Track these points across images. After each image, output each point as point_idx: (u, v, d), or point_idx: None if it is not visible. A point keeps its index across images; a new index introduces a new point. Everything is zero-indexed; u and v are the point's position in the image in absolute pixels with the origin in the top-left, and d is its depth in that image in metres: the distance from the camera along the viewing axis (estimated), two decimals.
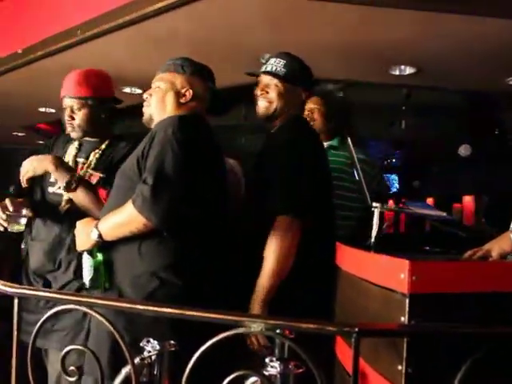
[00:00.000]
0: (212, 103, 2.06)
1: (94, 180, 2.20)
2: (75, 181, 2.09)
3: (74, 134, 2.28)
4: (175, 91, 1.97)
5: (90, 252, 1.85)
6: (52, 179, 2.24)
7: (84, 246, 1.87)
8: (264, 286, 1.89)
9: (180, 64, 2.00)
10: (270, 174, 1.99)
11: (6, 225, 2.12)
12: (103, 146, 2.28)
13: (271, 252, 1.89)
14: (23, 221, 2.13)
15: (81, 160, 2.27)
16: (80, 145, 2.32)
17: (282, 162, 1.98)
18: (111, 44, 3.28)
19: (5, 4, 3.85)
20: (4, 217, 2.10)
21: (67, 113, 2.25)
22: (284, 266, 1.89)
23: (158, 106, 1.97)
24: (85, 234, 1.86)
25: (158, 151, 1.76)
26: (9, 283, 1.57)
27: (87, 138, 2.31)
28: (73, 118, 2.24)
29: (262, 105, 2.14)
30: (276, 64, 2.14)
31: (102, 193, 2.10)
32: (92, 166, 2.24)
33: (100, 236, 1.81)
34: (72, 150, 2.31)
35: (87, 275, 1.84)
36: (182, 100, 1.96)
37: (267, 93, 2.13)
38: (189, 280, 1.79)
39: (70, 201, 2.19)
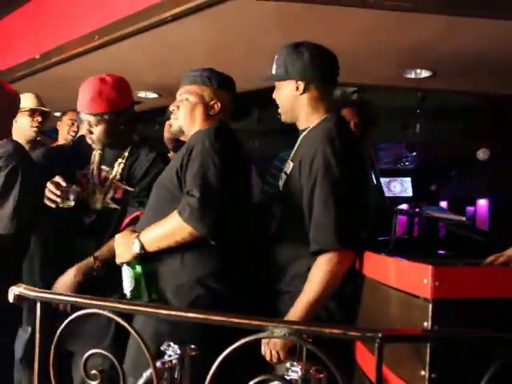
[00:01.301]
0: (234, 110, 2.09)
1: (119, 192, 2.20)
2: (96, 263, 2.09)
3: (94, 146, 2.25)
4: (204, 104, 1.99)
5: (129, 264, 1.87)
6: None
7: (124, 258, 1.89)
8: (300, 315, 1.74)
9: (207, 76, 2.01)
10: (318, 196, 1.78)
11: (58, 200, 2.08)
12: (126, 154, 2.25)
13: (317, 284, 1.75)
14: (73, 197, 2.11)
15: (105, 168, 2.25)
16: (103, 151, 2.29)
17: (333, 183, 1.76)
18: (128, 49, 3.31)
19: (23, 10, 3.90)
20: (58, 193, 2.07)
21: (85, 127, 2.21)
22: (327, 295, 1.76)
23: (187, 118, 2.00)
24: (125, 246, 1.89)
25: (199, 163, 1.80)
26: (30, 287, 1.58)
27: (109, 147, 2.28)
28: (91, 133, 2.20)
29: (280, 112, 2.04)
30: (273, 63, 2.00)
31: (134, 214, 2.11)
32: (117, 177, 2.22)
33: (142, 247, 1.85)
34: (96, 157, 2.28)
35: (128, 286, 1.87)
36: (211, 112, 1.99)
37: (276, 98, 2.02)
38: (231, 287, 1.84)
39: (96, 212, 2.20)
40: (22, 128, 3.03)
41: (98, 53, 3.36)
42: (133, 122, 2.30)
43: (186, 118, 2.00)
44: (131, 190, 2.18)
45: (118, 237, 1.95)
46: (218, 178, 1.78)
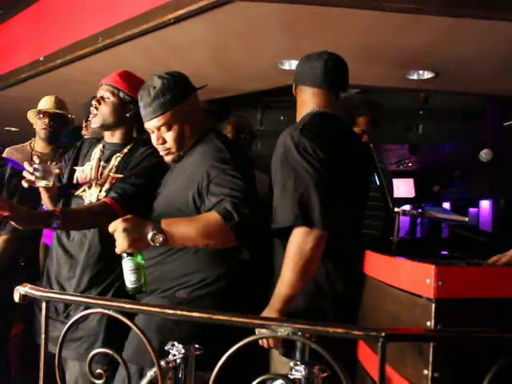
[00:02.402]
0: None
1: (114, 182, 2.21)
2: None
3: (94, 122, 2.24)
4: (188, 121, 1.95)
5: (131, 254, 1.70)
6: (75, 181, 2.28)
7: (134, 247, 1.69)
8: (281, 294, 1.78)
9: (168, 99, 1.90)
10: (277, 182, 1.86)
11: (33, 179, 2.03)
12: (125, 150, 2.26)
13: (288, 262, 1.78)
14: (51, 177, 2.06)
15: (103, 164, 2.26)
16: (103, 147, 2.31)
17: (291, 168, 1.83)
18: (131, 51, 3.33)
19: (27, 13, 3.92)
20: (31, 169, 2.02)
21: (96, 100, 2.23)
22: (303, 278, 1.77)
23: (181, 142, 1.95)
24: (138, 235, 1.68)
25: (223, 177, 1.81)
26: (36, 287, 1.60)
27: (109, 140, 2.29)
28: (99, 104, 2.22)
29: None
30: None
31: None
32: (113, 170, 2.23)
33: (165, 240, 1.70)
34: (97, 153, 2.31)
35: (130, 278, 1.71)
36: (196, 123, 1.98)
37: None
38: (242, 285, 1.89)
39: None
40: (36, 129, 3.17)
41: (101, 55, 3.38)
42: (137, 120, 2.24)
43: (179, 144, 1.95)
44: (121, 176, 2.19)
45: (124, 222, 1.68)
46: (249, 187, 1.81)
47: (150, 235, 1.68)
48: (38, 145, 3.20)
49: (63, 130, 3.22)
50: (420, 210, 2.56)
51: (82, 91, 3.08)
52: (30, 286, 1.59)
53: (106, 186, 2.20)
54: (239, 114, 3.45)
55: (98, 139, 2.36)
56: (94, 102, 2.23)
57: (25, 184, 2.06)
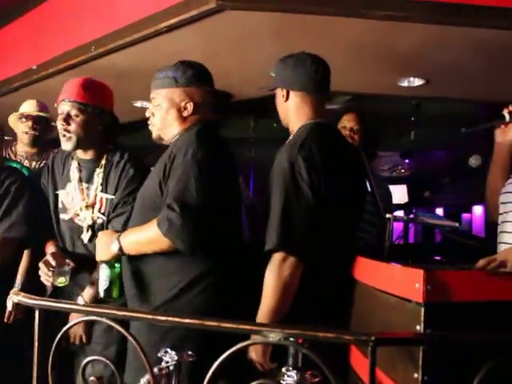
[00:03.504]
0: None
1: (103, 204, 2.16)
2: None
3: (67, 145, 2.12)
4: (177, 108, 1.93)
5: (109, 263, 1.89)
6: (61, 205, 2.24)
7: (103, 257, 1.91)
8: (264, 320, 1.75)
9: (173, 76, 1.93)
10: (272, 202, 1.82)
11: (51, 280, 2.05)
12: (103, 162, 2.17)
13: (269, 290, 1.77)
14: (67, 272, 2.09)
15: (85, 185, 2.20)
16: (79, 164, 2.21)
17: (284, 190, 1.79)
18: (124, 60, 3.34)
19: (20, 21, 3.93)
20: (50, 273, 2.04)
21: (62, 117, 2.09)
22: (283, 304, 1.77)
23: (163, 124, 1.96)
24: (106, 245, 1.90)
25: (179, 175, 1.78)
26: (29, 295, 1.60)
27: (83, 157, 2.20)
28: (68, 124, 2.08)
29: None
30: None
31: None
32: (99, 188, 2.17)
33: (121, 249, 1.86)
34: (74, 173, 2.21)
35: (103, 285, 1.89)
36: (185, 114, 1.94)
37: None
38: (223, 289, 1.87)
39: (91, 227, 2.18)
40: (18, 134, 3.10)
41: (94, 63, 3.39)
42: (109, 130, 2.21)
43: (161, 125, 1.96)
44: (111, 197, 2.14)
45: (99, 234, 1.98)
46: (199, 192, 1.75)
47: (111, 245, 1.87)
48: (22, 148, 3.11)
49: (46, 133, 3.12)
50: (412, 216, 2.59)
51: None
52: (23, 294, 1.59)
53: (97, 205, 2.16)
54: None
55: (69, 153, 2.25)
56: (61, 122, 2.09)
57: (47, 283, 2.08)
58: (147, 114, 2.01)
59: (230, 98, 2.09)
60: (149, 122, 2.00)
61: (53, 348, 1.44)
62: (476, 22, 2.61)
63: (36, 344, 1.50)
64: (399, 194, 8.89)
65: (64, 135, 2.11)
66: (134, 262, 1.91)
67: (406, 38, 2.86)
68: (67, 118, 2.09)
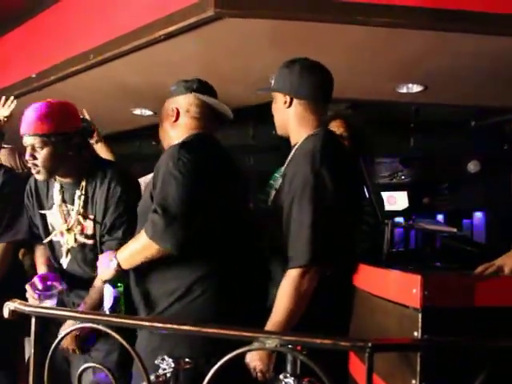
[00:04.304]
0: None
1: (86, 227, 2.13)
2: None
3: (39, 177, 2.07)
4: (167, 116, 2.04)
5: (112, 282, 1.92)
6: (50, 226, 2.23)
7: (106, 276, 1.93)
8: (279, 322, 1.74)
9: (171, 90, 2.06)
10: (295, 215, 1.77)
11: (37, 303, 2.02)
12: (83, 184, 2.11)
13: (284, 303, 1.75)
14: (54, 296, 2.07)
15: (70, 207, 2.15)
16: (62, 186, 2.16)
17: (309, 202, 1.75)
18: (123, 67, 3.35)
19: (19, 30, 3.95)
20: (35, 296, 2.02)
21: (28, 152, 2.02)
22: (296, 316, 1.76)
23: (164, 137, 2.08)
24: (105, 265, 1.93)
25: (161, 183, 1.81)
26: (26, 302, 1.60)
27: (64, 180, 2.15)
28: (35, 158, 2.01)
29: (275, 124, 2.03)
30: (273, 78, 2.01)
31: None
32: (81, 211, 2.12)
33: (119, 265, 1.90)
34: (56, 196, 2.17)
35: (107, 304, 1.91)
36: (173, 119, 2.01)
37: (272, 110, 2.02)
38: (222, 291, 1.86)
39: (69, 251, 2.17)
40: None
41: (93, 71, 3.40)
42: (83, 150, 2.14)
43: (162, 137, 2.09)
44: (91, 220, 2.11)
45: (100, 256, 2.00)
46: (179, 195, 1.76)
47: (110, 263, 1.91)
48: None
49: None
50: (410, 222, 2.58)
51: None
52: (19, 301, 1.59)
53: (78, 227, 2.12)
54: None
55: None
56: (28, 158, 2.03)
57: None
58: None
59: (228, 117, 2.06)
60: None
61: (48, 356, 1.43)
62: (474, 29, 2.62)
63: (33, 351, 1.50)
64: (400, 200, 8.89)
65: (34, 168, 2.06)
66: (137, 272, 1.94)
67: (403, 45, 2.87)
68: (32, 152, 2.01)
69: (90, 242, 2.13)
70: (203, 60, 3.25)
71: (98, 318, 1.43)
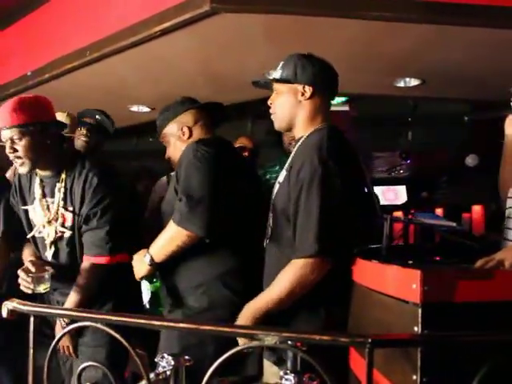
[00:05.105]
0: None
1: (67, 219, 2.16)
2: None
3: (22, 169, 2.10)
4: (177, 137, 2.21)
5: (148, 278, 2.05)
6: (31, 222, 2.25)
7: (141, 273, 2.03)
8: (264, 309, 1.75)
9: (163, 118, 2.24)
10: (303, 206, 1.76)
11: (32, 287, 2.05)
12: (63, 176, 2.15)
13: (284, 286, 1.75)
14: (47, 279, 2.09)
15: (50, 200, 2.19)
16: (42, 180, 2.20)
17: (318, 193, 1.74)
18: (118, 64, 3.34)
19: (14, 28, 3.93)
20: (29, 279, 2.04)
21: (8, 146, 2.05)
22: (292, 301, 1.76)
23: (176, 154, 2.19)
24: (139, 262, 2.03)
25: (184, 173, 1.98)
26: (23, 301, 1.59)
27: (44, 173, 2.19)
28: (15, 150, 2.05)
29: (273, 119, 1.98)
30: (276, 69, 1.95)
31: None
32: (61, 203, 2.16)
33: (152, 259, 1.99)
34: (37, 190, 2.21)
35: (146, 298, 2.08)
36: (185, 137, 2.19)
37: (272, 104, 1.95)
38: (246, 284, 1.97)
39: (53, 243, 2.19)
40: None
41: (89, 68, 3.39)
42: (60, 140, 2.20)
43: (176, 157, 2.18)
44: (71, 212, 2.15)
45: (134, 256, 2.08)
46: (201, 180, 1.93)
47: (144, 258, 2.01)
48: None
49: None
50: (409, 217, 2.57)
51: (72, 105, 3.07)
52: (17, 300, 1.58)
53: (60, 220, 2.16)
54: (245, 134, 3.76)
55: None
56: (8, 150, 2.06)
57: (27, 290, 2.06)
58: (166, 157, 2.29)
59: (222, 108, 2.20)
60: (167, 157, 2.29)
61: (47, 356, 1.43)
62: (472, 22, 2.61)
63: (31, 351, 1.49)
64: (399, 195, 8.90)
65: (16, 161, 2.09)
66: (163, 268, 2.06)
67: (401, 39, 2.86)
68: (12, 145, 2.05)
69: (70, 232, 2.17)
70: (199, 56, 3.24)
71: (96, 316, 1.42)
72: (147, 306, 2.09)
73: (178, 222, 1.89)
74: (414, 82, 3.63)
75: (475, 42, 2.84)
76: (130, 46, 3.03)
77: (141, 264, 2.02)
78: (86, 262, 2.12)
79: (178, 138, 2.21)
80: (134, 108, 4.44)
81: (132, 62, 3.33)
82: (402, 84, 3.67)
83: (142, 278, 2.04)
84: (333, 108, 2.90)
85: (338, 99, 4.26)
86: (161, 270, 2.08)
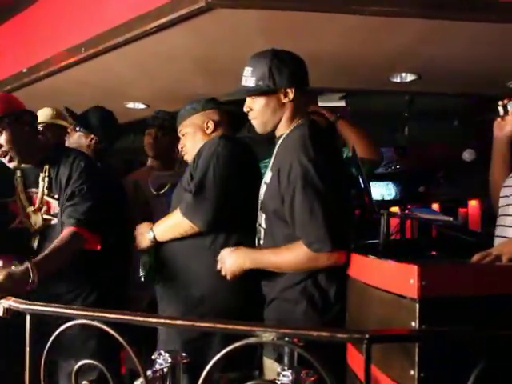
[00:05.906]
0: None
1: (52, 206, 2.18)
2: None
3: (12, 164, 2.16)
4: (200, 128, 2.28)
5: (146, 251, 2.17)
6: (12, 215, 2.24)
7: (142, 245, 2.18)
8: (268, 261, 1.86)
9: (190, 108, 2.31)
10: (302, 206, 1.77)
11: None
12: (47, 167, 2.20)
13: (288, 260, 1.82)
14: None
15: (34, 190, 2.22)
16: (22, 172, 2.23)
17: (314, 190, 1.75)
18: (114, 61, 3.32)
19: (9, 24, 3.91)
20: None
21: None
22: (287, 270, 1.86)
23: (193, 147, 2.26)
24: (142, 235, 2.18)
25: (202, 165, 2.04)
26: (20, 300, 1.59)
27: (25, 165, 2.21)
28: (0, 146, 2.12)
29: (254, 125, 1.97)
30: (246, 75, 1.94)
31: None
32: (45, 192, 2.19)
33: (155, 237, 2.14)
34: (18, 181, 2.23)
35: (142, 270, 2.16)
36: (208, 131, 2.27)
37: (251, 109, 1.93)
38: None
39: (40, 232, 2.19)
40: None
41: (85, 65, 3.36)
42: (36, 128, 2.28)
43: (192, 148, 2.26)
44: (56, 199, 2.17)
45: (138, 227, 2.23)
46: (215, 178, 1.99)
47: (147, 234, 2.16)
48: None
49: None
50: (406, 212, 2.57)
51: (68, 102, 3.06)
52: (13, 299, 1.58)
53: (44, 208, 2.18)
54: None
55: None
56: None
57: None
58: (180, 147, 2.36)
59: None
60: (182, 153, 2.37)
61: (44, 354, 1.42)
62: (468, 17, 2.60)
63: (28, 350, 1.49)
64: (395, 190, 8.91)
65: (4, 156, 2.14)
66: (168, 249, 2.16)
67: (396, 34, 2.85)
68: None
69: (56, 219, 2.18)
70: (195, 51, 3.23)
71: (94, 314, 1.42)
72: (142, 278, 2.16)
73: (183, 213, 2.00)
74: (410, 77, 3.62)
75: (472, 37, 2.83)
76: (126, 42, 3.01)
77: (143, 238, 2.17)
78: (65, 231, 2.08)
79: (200, 130, 2.27)
80: (130, 105, 4.42)
81: (128, 59, 3.31)
82: (397, 79, 3.66)
83: (140, 250, 2.18)
84: (330, 104, 2.96)
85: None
86: (162, 261, 2.17)
